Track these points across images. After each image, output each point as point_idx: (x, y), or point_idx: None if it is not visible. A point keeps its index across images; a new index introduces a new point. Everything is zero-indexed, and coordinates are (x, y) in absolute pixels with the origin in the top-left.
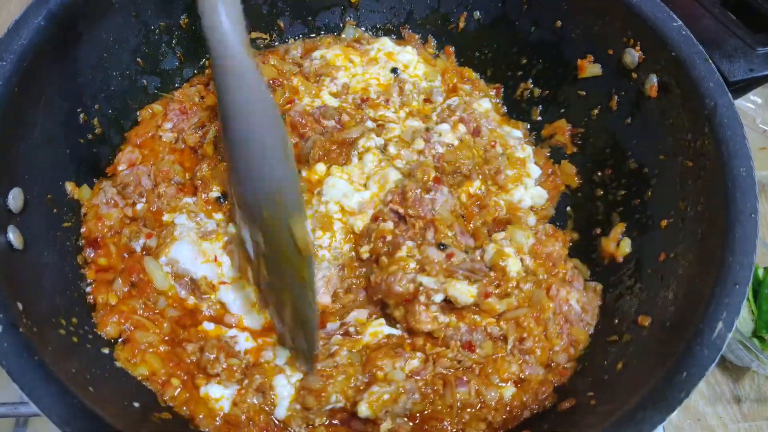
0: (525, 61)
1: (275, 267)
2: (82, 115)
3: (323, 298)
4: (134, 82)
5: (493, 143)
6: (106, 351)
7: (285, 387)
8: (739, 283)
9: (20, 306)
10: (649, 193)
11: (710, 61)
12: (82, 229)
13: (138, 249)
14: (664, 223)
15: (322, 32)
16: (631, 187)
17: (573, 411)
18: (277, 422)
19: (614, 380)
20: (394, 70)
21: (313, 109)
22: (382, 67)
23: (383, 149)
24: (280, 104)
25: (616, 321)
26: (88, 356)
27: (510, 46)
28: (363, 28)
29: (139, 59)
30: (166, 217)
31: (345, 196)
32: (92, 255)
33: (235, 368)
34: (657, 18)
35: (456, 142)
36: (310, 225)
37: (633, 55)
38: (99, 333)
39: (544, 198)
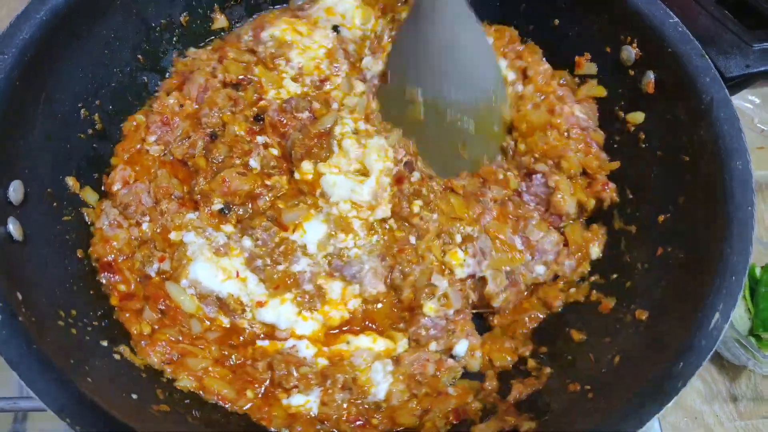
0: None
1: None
2: (83, 111)
3: (378, 286)
4: (135, 79)
5: None
6: (104, 343)
7: (379, 373)
8: (735, 274)
9: (19, 296)
10: (647, 188)
11: (706, 57)
12: (91, 250)
13: (153, 274)
14: (661, 218)
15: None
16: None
17: (571, 404)
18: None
19: (611, 373)
20: (334, 28)
21: (284, 103)
22: (324, 29)
23: (355, 130)
24: (251, 102)
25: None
26: (87, 347)
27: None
28: None
29: (139, 56)
30: (173, 236)
31: (353, 191)
32: (111, 280)
33: (310, 376)
34: (654, 15)
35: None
36: (328, 228)
37: (630, 52)
38: (98, 326)
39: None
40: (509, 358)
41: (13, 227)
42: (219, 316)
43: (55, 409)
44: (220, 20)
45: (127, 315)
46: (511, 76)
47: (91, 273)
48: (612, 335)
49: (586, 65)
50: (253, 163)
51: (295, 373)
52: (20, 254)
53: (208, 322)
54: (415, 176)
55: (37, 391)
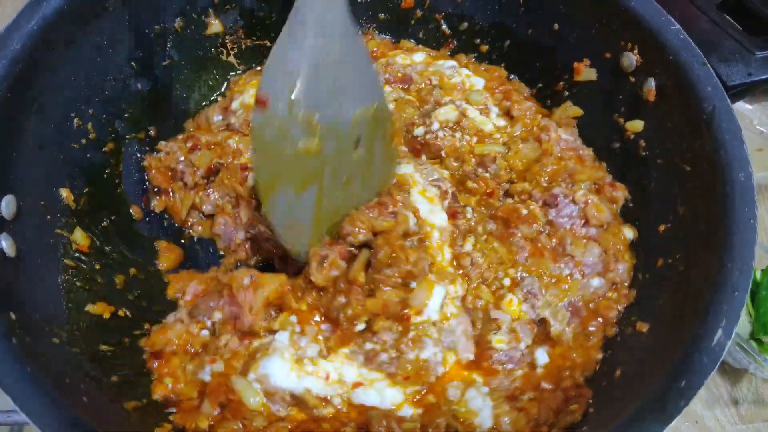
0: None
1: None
2: (76, 120)
3: (470, 348)
4: (128, 86)
5: (427, 81)
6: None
7: (477, 399)
8: (738, 290)
9: (13, 316)
10: (647, 197)
11: (708, 65)
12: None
13: (208, 378)
14: (662, 227)
15: None
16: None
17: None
18: None
19: (612, 388)
20: None
21: None
22: None
23: None
24: (237, 179)
25: None
26: (81, 366)
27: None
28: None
29: (133, 63)
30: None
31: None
32: (156, 366)
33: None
34: (655, 22)
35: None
36: (444, 288)
37: (630, 59)
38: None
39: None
40: None
41: (6, 243)
42: (290, 413)
43: None
44: (215, 25)
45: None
46: (500, 122)
47: (86, 291)
48: (613, 348)
49: (585, 71)
50: (414, 284)
51: (397, 429)
52: (14, 271)
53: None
54: (468, 211)
55: (30, 416)
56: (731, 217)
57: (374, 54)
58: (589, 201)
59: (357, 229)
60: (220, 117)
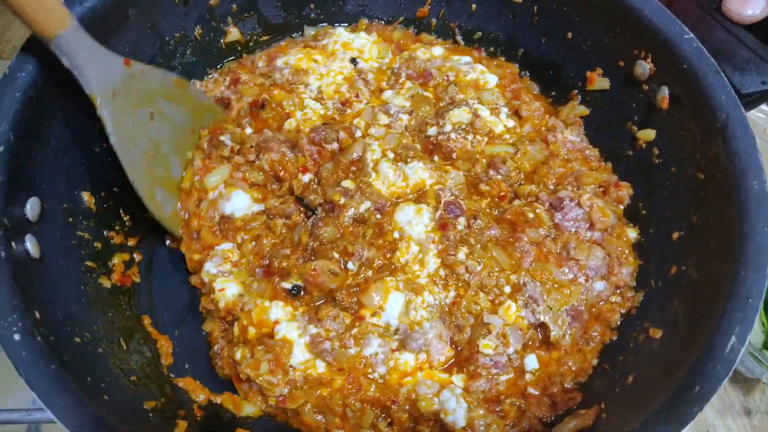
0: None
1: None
2: (97, 125)
3: (444, 351)
4: None
5: (445, 77)
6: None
7: (451, 399)
8: (752, 297)
9: (38, 315)
10: (661, 205)
11: (722, 73)
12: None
13: None
14: (675, 235)
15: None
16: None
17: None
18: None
19: (625, 393)
20: (353, 60)
21: (313, 133)
22: (341, 59)
23: (385, 156)
24: (276, 124)
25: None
26: (103, 365)
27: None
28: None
29: None
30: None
31: (409, 224)
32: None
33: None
34: (668, 30)
35: (407, 104)
36: (405, 296)
37: (644, 67)
38: (115, 343)
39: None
40: None
41: (31, 244)
42: None
43: (73, 429)
44: (233, 33)
45: None
46: (510, 122)
47: (108, 291)
48: (625, 353)
49: (598, 80)
50: (351, 266)
51: None
52: (37, 272)
53: None
54: (461, 222)
55: (54, 412)
56: (745, 225)
57: (399, 46)
58: (595, 205)
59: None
60: (265, 63)
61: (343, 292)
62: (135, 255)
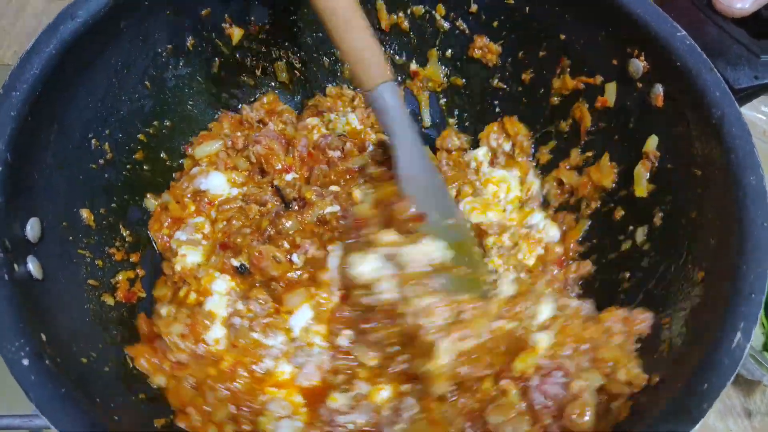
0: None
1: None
2: (93, 141)
3: (315, 377)
4: (142, 107)
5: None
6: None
7: None
8: (754, 291)
9: (44, 337)
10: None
11: (716, 71)
12: None
13: None
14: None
15: None
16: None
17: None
18: None
19: (635, 393)
20: None
21: (321, 138)
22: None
23: None
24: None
25: None
26: (111, 384)
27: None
28: None
29: (147, 82)
30: None
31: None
32: None
33: None
34: (661, 28)
35: None
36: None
37: (637, 65)
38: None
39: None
40: None
41: (33, 266)
42: None
43: None
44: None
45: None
46: None
47: (111, 308)
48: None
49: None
50: (296, 259)
51: None
52: (41, 293)
53: None
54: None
55: None
56: (744, 221)
57: None
58: (579, 401)
59: None
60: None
61: (282, 283)
62: (138, 271)
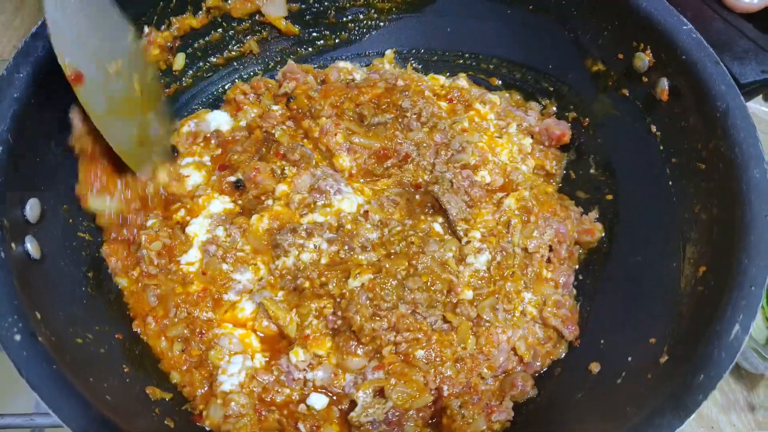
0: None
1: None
2: None
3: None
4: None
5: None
6: (124, 364)
7: None
8: (754, 285)
9: (38, 315)
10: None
11: (721, 63)
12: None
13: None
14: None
15: None
16: None
17: (590, 414)
18: None
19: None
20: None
21: None
22: None
23: None
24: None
25: None
26: (105, 366)
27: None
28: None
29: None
30: None
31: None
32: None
33: None
34: (667, 21)
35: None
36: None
37: (643, 59)
38: (116, 342)
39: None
40: None
41: (31, 246)
42: None
43: (77, 430)
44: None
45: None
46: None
47: (108, 292)
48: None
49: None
50: (287, 171)
51: None
52: (38, 273)
53: None
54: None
55: (57, 413)
56: (747, 214)
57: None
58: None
59: None
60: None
61: (263, 206)
62: None
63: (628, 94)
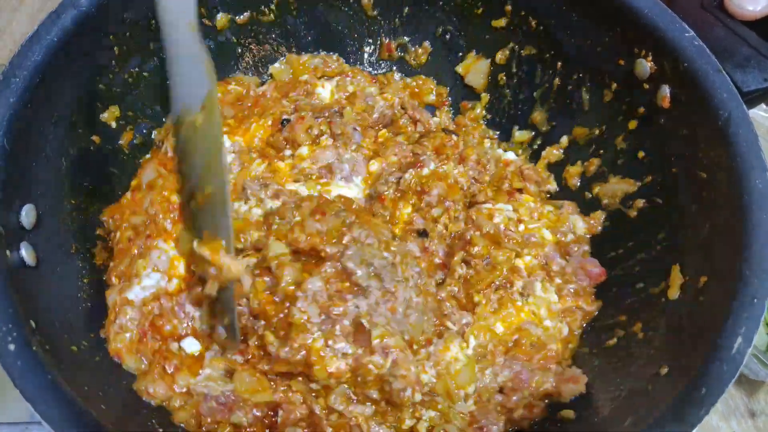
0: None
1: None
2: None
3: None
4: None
5: None
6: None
7: None
8: (757, 297)
9: (33, 324)
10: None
11: (723, 71)
12: None
13: None
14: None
15: None
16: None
17: (588, 426)
18: None
19: (630, 396)
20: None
21: None
22: None
23: None
24: None
25: None
26: (100, 373)
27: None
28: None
29: (145, 74)
30: None
31: None
32: None
33: None
34: (669, 28)
35: None
36: None
37: (644, 66)
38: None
39: None
40: None
41: (26, 252)
42: None
43: None
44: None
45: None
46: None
47: (103, 299)
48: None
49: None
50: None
51: None
52: (33, 279)
53: None
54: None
55: (51, 424)
56: (749, 224)
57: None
58: None
59: None
60: None
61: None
62: None
63: (629, 101)
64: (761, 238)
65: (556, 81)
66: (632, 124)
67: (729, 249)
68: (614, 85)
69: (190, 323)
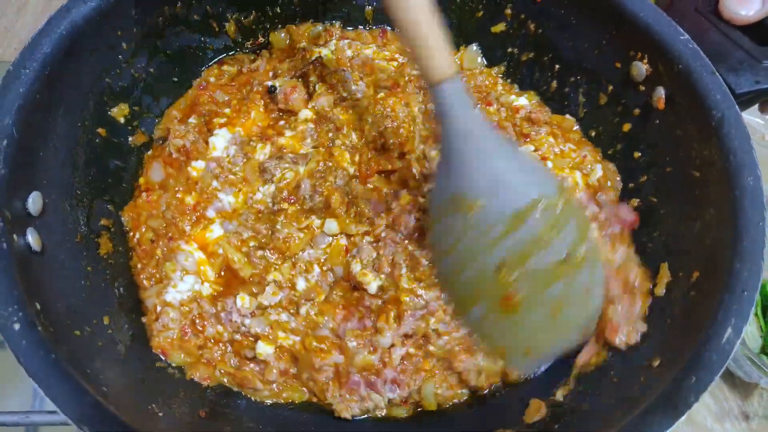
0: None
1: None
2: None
3: None
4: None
5: None
6: (122, 350)
7: None
8: (747, 289)
9: (38, 306)
10: (657, 204)
11: (717, 73)
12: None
13: None
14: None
15: None
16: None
17: (579, 413)
18: None
19: (621, 383)
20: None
21: None
22: None
23: None
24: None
25: None
26: (102, 358)
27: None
28: None
29: (152, 70)
30: None
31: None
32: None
33: None
34: (664, 32)
35: None
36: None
37: (640, 68)
38: (114, 336)
39: None
40: None
41: (32, 238)
42: None
43: (74, 418)
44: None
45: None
46: None
47: (109, 283)
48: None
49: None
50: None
51: None
52: (38, 265)
53: None
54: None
55: (55, 401)
56: (741, 220)
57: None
58: None
59: None
60: None
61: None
62: None
63: (624, 102)
64: (752, 233)
65: (553, 84)
66: (627, 126)
67: (721, 244)
68: (610, 88)
69: (242, 329)
